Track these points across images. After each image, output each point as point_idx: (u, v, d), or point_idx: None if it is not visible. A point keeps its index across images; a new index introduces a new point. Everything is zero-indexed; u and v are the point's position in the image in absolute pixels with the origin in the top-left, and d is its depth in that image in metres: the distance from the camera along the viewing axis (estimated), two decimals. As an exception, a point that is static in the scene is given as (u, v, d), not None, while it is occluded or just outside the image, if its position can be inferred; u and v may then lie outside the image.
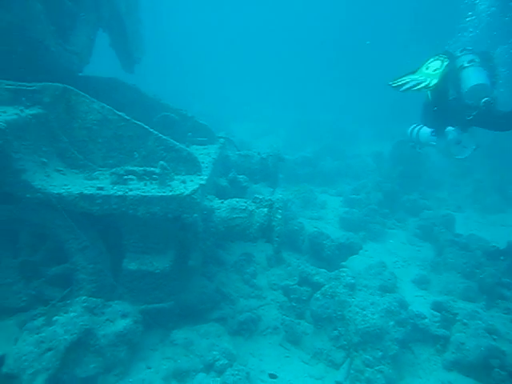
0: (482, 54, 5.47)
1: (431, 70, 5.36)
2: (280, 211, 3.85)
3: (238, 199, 4.10)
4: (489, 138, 11.11)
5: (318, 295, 4.11)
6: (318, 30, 37.10)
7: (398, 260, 6.15)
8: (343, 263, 5.66)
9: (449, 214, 7.06)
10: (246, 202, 4.03)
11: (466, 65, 5.29)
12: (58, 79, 3.95)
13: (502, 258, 5.41)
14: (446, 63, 5.35)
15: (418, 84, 5.28)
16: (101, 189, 3.56)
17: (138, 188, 3.67)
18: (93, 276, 3.79)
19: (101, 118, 4.01)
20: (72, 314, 3.36)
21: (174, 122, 5.68)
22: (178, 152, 4.16)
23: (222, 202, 4.06)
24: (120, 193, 3.55)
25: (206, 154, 5.06)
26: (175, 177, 4.00)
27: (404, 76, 5.37)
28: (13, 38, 3.89)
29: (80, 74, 5.04)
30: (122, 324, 3.52)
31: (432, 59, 5.50)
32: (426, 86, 5.28)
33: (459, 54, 5.52)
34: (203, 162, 4.52)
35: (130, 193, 3.56)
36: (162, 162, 3.74)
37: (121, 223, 3.78)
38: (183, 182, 3.90)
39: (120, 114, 4.03)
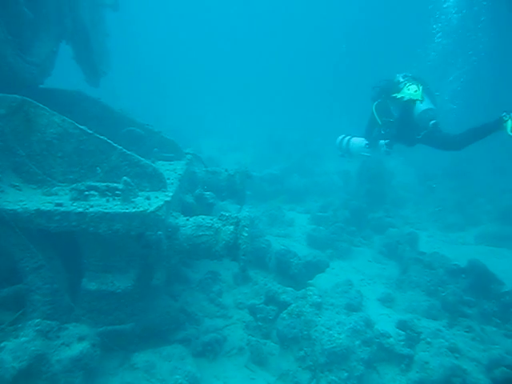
0: (419, 80, 6.07)
1: (412, 91, 5.88)
2: (246, 229, 3.79)
3: (204, 216, 4.02)
4: (449, 160, 11.65)
5: (285, 315, 4.05)
6: (290, 46, 37.75)
7: (364, 278, 6.19)
8: (310, 281, 5.65)
9: (413, 233, 7.20)
10: (212, 220, 3.96)
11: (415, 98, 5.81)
12: (16, 91, 3.79)
13: (463, 275, 5.54)
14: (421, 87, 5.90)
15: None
16: (59, 205, 3.41)
17: (99, 204, 3.54)
18: (48, 297, 3.59)
19: (61, 132, 3.86)
20: (23, 339, 3.16)
21: (140, 137, 5.57)
22: (143, 168, 4.05)
23: (188, 219, 3.96)
24: (80, 209, 3.41)
25: (172, 170, 4.96)
26: (139, 193, 3.90)
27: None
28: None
29: (41, 86, 4.87)
30: (78, 348, 3.33)
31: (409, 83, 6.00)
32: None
33: (402, 80, 6.09)
34: (169, 179, 4.43)
35: (91, 209, 3.42)
36: (125, 178, 3.63)
37: (81, 241, 3.62)
38: (147, 198, 3.79)
39: (82, 127, 3.90)
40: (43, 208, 3.36)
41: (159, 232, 3.59)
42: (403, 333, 4.17)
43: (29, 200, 3.50)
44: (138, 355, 3.67)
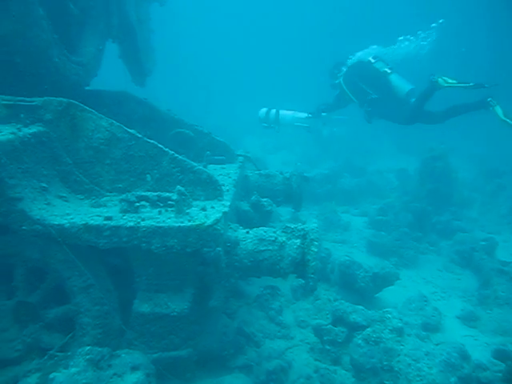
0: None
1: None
2: (316, 243, 3.30)
3: (266, 229, 3.56)
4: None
5: (360, 341, 3.52)
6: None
7: (436, 291, 5.54)
8: (377, 295, 5.09)
9: (490, 238, 6.41)
10: (275, 232, 3.50)
11: (389, 71, 6.63)
12: (61, 93, 3.49)
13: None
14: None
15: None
16: (109, 219, 3.06)
17: (151, 217, 3.16)
18: (98, 320, 3.25)
19: (109, 137, 3.53)
20: (73, 370, 2.82)
21: (190, 140, 5.20)
22: (197, 174, 3.65)
23: (248, 232, 3.52)
24: (131, 223, 3.04)
25: (225, 175, 4.55)
26: (193, 203, 3.50)
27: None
28: (11, 47, 3.44)
29: (86, 88, 4.59)
30: (131, 379, 2.96)
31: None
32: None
33: (373, 60, 6.84)
34: (223, 185, 4.01)
35: (143, 223, 3.05)
36: (179, 187, 3.23)
37: (132, 257, 3.26)
38: (203, 209, 3.39)
39: (131, 131, 3.55)
40: (92, 222, 3.02)
41: (218, 248, 3.17)
42: (502, 364, 3.53)
43: (76, 213, 3.18)
44: (196, 386, 3.27)
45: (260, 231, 3.51)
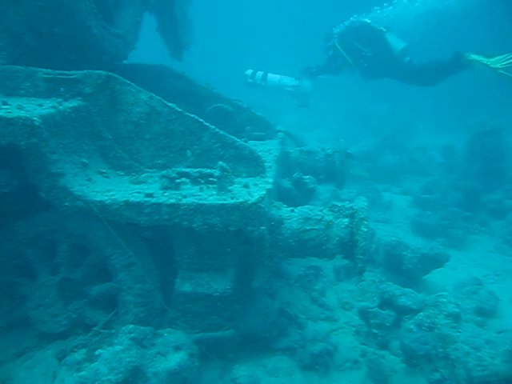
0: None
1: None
2: (365, 222, 3.09)
3: (311, 207, 3.38)
4: None
5: (412, 326, 3.31)
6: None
7: (488, 273, 5.21)
8: (424, 277, 4.84)
9: (549, 219, 5.97)
10: (321, 211, 3.30)
11: (385, 30, 6.87)
12: (99, 67, 3.38)
13: None
14: None
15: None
16: (150, 195, 2.96)
17: (192, 194, 3.04)
18: (140, 298, 3.21)
19: (149, 111, 3.41)
20: (117, 348, 2.78)
21: (228, 115, 5.03)
22: (238, 150, 3.50)
23: (293, 211, 3.35)
24: (172, 200, 2.92)
25: (266, 151, 4.36)
26: (235, 179, 3.35)
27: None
28: (51, 18, 3.34)
29: (124, 62, 4.47)
30: (175, 359, 2.90)
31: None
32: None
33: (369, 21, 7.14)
34: (265, 161, 3.83)
35: (184, 200, 2.93)
36: (221, 163, 3.08)
37: (173, 236, 3.17)
38: (245, 186, 3.23)
39: (171, 105, 3.42)
40: (132, 199, 2.93)
41: (262, 227, 3.01)
42: None
43: (117, 190, 3.10)
44: (240, 368, 3.19)
45: (305, 209, 3.33)
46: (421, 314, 3.36)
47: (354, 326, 4.00)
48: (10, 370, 2.92)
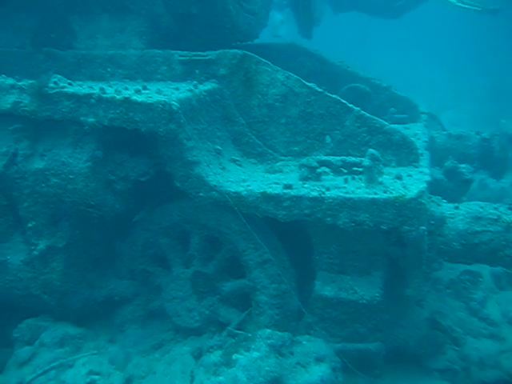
0: None
1: None
2: None
3: (481, 203, 2.76)
4: None
5: None
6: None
7: None
8: None
9: None
10: (496, 209, 2.66)
11: None
12: (230, 47, 3.15)
13: None
14: None
15: None
16: (289, 187, 2.63)
17: (336, 186, 2.64)
18: (276, 299, 2.92)
19: (285, 92, 3.09)
20: (255, 354, 2.54)
21: (364, 95, 4.49)
22: (387, 135, 3.01)
23: (457, 208, 2.75)
24: (315, 193, 2.57)
25: (412, 137, 3.76)
26: (384, 169, 2.86)
27: None
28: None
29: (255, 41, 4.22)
30: (316, 372, 2.57)
31: None
32: None
33: None
34: (418, 148, 3.26)
35: (328, 193, 2.55)
36: (372, 151, 2.62)
37: (312, 232, 2.81)
38: (398, 177, 2.75)
39: (310, 85, 3.05)
40: (270, 191, 2.63)
41: (422, 227, 2.49)
42: None
43: (252, 179, 2.85)
44: (389, 389, 2.74)
45: (475, 206, 2.73)
46: None
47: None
48: (150, 362, 2.88)
